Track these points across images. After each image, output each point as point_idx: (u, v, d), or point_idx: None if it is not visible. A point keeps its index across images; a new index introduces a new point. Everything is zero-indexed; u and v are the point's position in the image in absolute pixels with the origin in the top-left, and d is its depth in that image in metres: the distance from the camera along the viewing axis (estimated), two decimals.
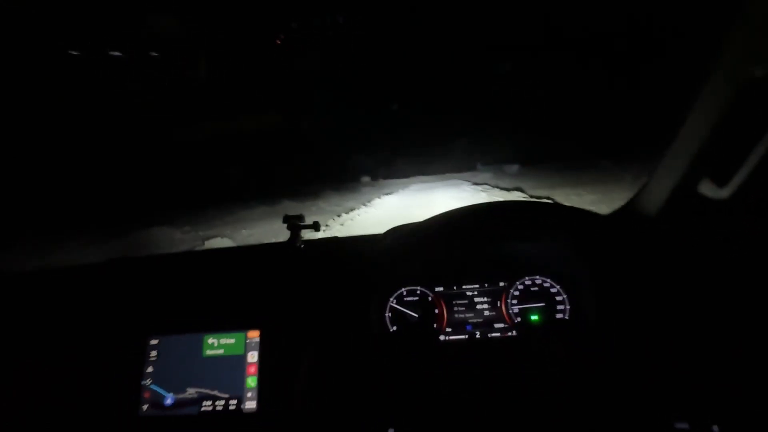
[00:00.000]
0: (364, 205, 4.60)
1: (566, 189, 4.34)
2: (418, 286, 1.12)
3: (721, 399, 0.88)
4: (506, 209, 1.08)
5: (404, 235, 1.08)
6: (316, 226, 1.18)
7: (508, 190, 4.75)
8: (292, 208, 4.32)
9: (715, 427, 0.81)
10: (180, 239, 3.95)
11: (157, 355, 1.03)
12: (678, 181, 0.88)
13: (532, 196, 4.42)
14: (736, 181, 0.75)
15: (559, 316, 1.08)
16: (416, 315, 1.09)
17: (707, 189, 0.83)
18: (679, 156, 0.86)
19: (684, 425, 0.82)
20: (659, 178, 0.95)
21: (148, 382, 1.01)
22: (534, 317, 1.08)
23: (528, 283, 1.11)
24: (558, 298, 1.09)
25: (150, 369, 1.02)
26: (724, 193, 0.79)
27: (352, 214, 4.39)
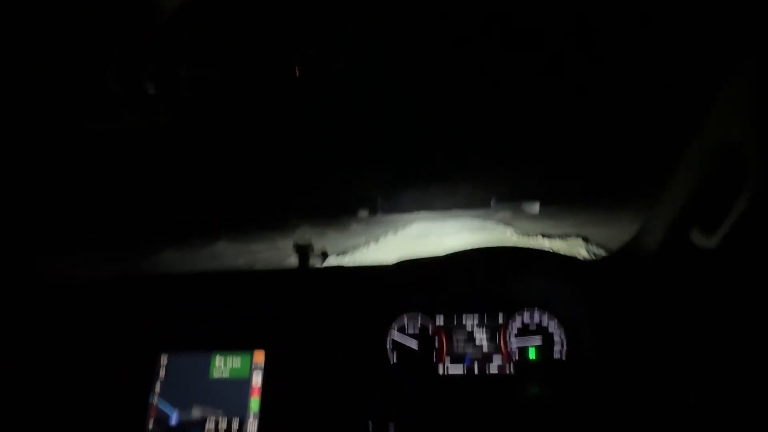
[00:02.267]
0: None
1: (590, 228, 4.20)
2: (419, 312, 1.15)
3: None
4: (511, 255, 1.15)
5: (412, 268, 1.13)
6: (324, 256, 1.24)
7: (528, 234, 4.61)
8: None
9: None
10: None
11: (166, 373, 1.08)
12: (669, 229, 0.93)
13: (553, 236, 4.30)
14: (722, 231, 0.79)
15: (557, 356, 1.09)
16: (416, 347, 1.12)
17: (697, 238, 0.87)
18: (670, 206, 0.92)
19: None
20: (652, 225, 0.99)
21: (155, 399, 1.05)
22: (532, 356, 1.10)
23: (527, 317, 1.14)
24: (556, 338, 1.11)
25: (158, 386, 1.06)
26: (712, 242, 0.83)
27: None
